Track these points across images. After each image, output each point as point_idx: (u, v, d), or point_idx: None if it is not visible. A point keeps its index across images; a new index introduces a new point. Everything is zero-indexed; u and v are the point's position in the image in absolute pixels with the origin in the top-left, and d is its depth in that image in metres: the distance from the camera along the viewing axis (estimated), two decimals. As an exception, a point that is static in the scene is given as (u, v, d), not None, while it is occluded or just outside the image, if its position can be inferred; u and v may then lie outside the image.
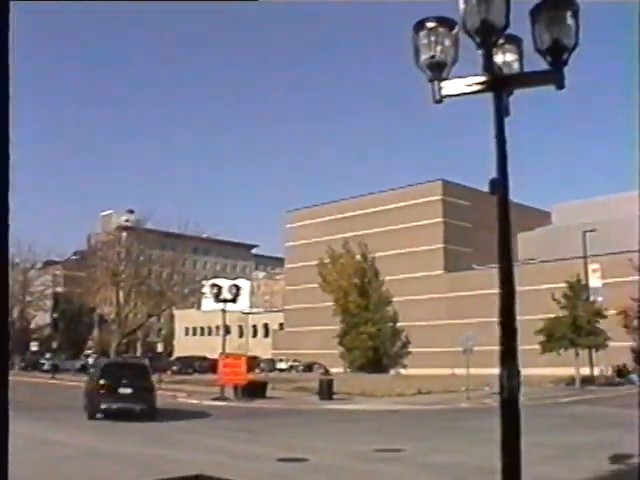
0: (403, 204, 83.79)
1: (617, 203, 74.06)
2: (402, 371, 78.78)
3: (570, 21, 5.92)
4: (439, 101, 6.08)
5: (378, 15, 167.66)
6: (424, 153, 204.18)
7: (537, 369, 50.43)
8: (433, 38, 6.04)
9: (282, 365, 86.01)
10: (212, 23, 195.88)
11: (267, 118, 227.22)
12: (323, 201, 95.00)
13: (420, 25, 6.08)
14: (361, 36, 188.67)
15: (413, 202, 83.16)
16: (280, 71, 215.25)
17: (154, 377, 31.11)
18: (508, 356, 5.74)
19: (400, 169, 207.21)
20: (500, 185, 5.94)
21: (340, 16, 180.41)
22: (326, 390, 36.62)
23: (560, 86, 5.90)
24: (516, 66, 6.45)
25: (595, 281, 55.54)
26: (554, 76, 5.94)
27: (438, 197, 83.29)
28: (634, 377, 51.08)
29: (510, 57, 6.41)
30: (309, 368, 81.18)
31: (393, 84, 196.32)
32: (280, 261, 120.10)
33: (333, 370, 70.11)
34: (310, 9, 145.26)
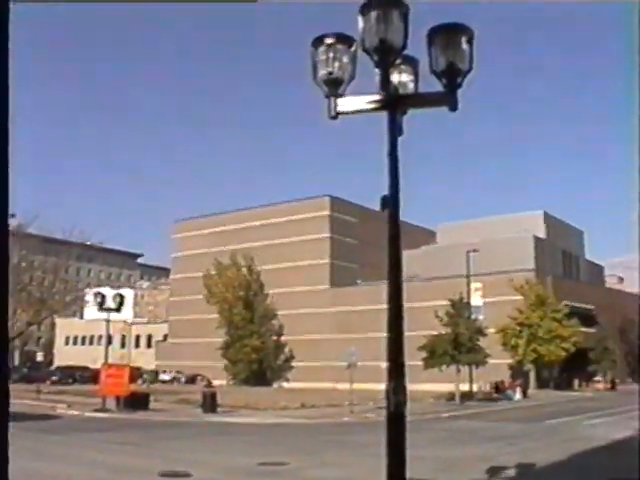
0: (291, 218, 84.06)
1: (498, 224, 76.41)
2: (285, 385, 78.89)
3: (465, 46, 6.08)
4: (334, 117, 6.13)
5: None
6: (314, 169, 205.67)
7: (419, 385, 51.36)
8: (331, 54, 6.09)
9: (165, 377, 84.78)
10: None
11: (156, 125, 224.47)
12: (212, 212, 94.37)
13: (319, 41, 6.12)
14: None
15: (301, 217, 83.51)
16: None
17: (32, 387, 30.14)
18: (395, 371, 5.81)
19: (290, 183, 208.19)
20: (391, 202, 6.03)
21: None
22: (209, 402, 36.24)
23: (453, 108, 6.04)
24: (411, 86, 6.57)
25: (477, 300, 57.11)
26: (448, 98, 6.08)
27: (326, 213, 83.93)
28: (510, 393, 52.70)
29: (406, 77, 6.53)
30: (192, 380, 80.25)
31: (288, 96, 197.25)
32: (166, 271, 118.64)
33: (217, 383, 69.50)
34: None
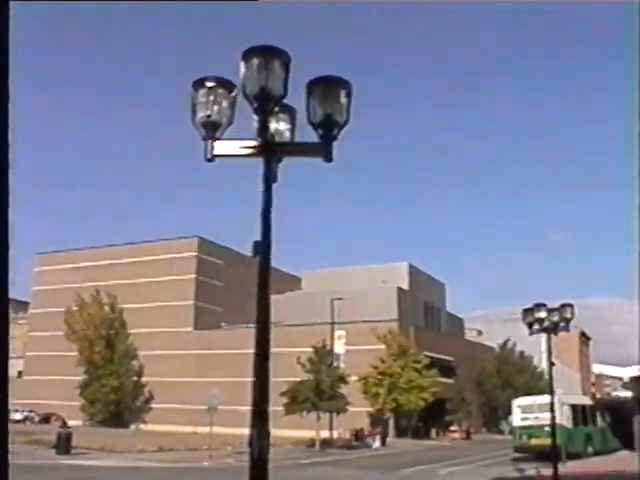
0: (158, 257, 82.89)
1: (364, 274, 77.58)
2: (143, 427, 77.00)
3: (343, 99, 6.24)
4: (210, 160, 6.16)
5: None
6: (185, 210, 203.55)
7: (280, 430, 51.16)
8: (211, 97, 6.13)
9: (17, 416, 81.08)
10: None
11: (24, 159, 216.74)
12: (78, 247, 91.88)
13: (199, 83, 6.15)
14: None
15: (168, 256, 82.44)
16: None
17: None
18: (259, 416, 5.80)
19: (159, 222, 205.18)
20: (262, 248, 6.07)
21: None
22: (64, 444, 35.01)
23: (328, 159, 6.17)
24: (288, 135, 6.67)
25: (339, 347, 57.73)
26: (323, 149, 6.20)
27: (193, 253, 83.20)
28: (370, 441, 53.23)
29: (283, 126, 6.62)
30: (46, 420, 77.15)
31: (169, 134, 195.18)
32: (25, 305, 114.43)
33: (72, 423, 67.02)
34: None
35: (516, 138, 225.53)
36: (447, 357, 74.32)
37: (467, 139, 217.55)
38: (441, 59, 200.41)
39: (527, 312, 22.81)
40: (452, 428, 72.61)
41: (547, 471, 23.51)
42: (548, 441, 24.71)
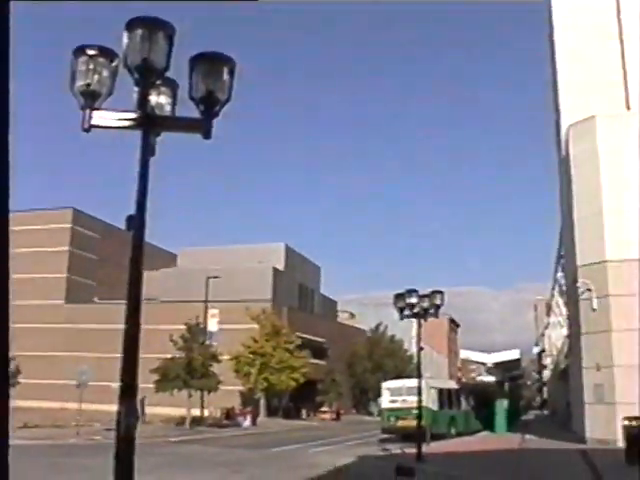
0: (30, 227, 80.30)
1: (240, 253, 77.34)
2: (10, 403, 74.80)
3: (226, 77, 6.18)
4: (87, 130, 6.01)
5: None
6: (62, 178, 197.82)
7: (150, 408, 50.65)
8: (92, 66, 5.96)
9: None
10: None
11: None
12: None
13: (80, 50, 5.98)
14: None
15: (41, 227, 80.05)
16: None
17: None
18: (128, 393, 5.73)
19: (31, 191, 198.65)
20: (137, 222, 5.97)
21: None
22: None
23: (207, 136, 6.11)
24: (168, 109, 6.57)
25: (212, 325, 57.45)
26: (203, 125, 6.13)
27: (67, 225, 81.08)
28: (241, 420, 53.38)
29: (164, 99, 6.52)
30: None
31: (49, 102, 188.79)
32: None
33: None
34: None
35: (392, 127, 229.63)
36: (319, 339, 75.11)
37: (346, 123, 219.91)
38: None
39: (398, 297, 23.33)
40: (323, 409, 73.57)
41: (412, 451, 24.14)
42: (414, 422, 25.41)
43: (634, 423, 22.59)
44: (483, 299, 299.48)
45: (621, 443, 23.54)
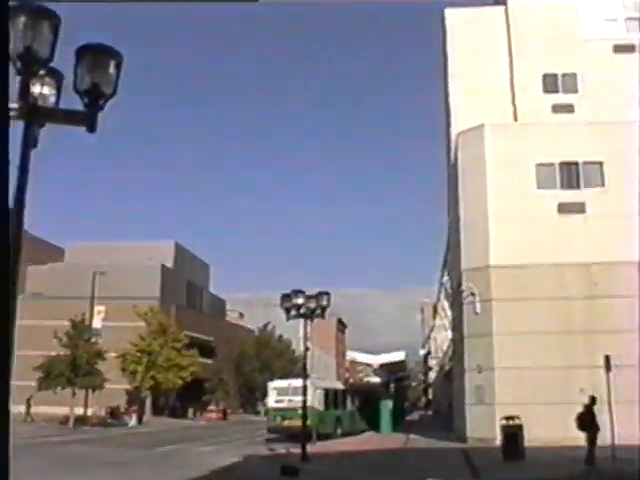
0: None
1: (129, 250, 75.67)
2: None
3: (112, 70, 6.10)
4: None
5: None
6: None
7: (35, 407, 49.37)
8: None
9: None
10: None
11: None
12: None
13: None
14: None
15: None
16: None
17: None
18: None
19: None
20: (15, 213, 5.80)
21: None
22: None
23: (91, 129, 6.01)
24: (52, 100, 6.43)
25: (98, 322, 56.43)
26: (87, 118, 6.04)
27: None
28: (126, 419, 52.61)
29: (48, 90, 6.38)
30: None
31: None
32: None
33: None
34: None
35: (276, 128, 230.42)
36: (208, 337, 74.64)
37: (233, 121, 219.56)
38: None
39: (285, 298, 23.43)
40: (209, 408, 73.13)
41: (297, 451, 24.28)
42: (300, 422, 25.54)
43: (511, 422, 23.41)
44: (372, 301, 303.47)
45: (499, 441, 24.31)
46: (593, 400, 21.93)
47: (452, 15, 37.87)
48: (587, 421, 21.15)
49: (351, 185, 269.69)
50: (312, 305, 23.32)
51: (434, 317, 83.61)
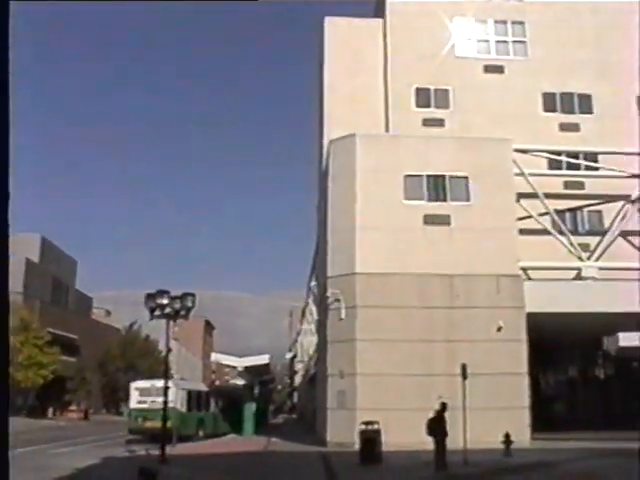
0: None
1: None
2: None
3: None
4: None
5: None
6: None
7: None
8: None
9: None
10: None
11: None
12: None
13: None
14: None
15: None
16: None
17: None
18: None
19: None
20: None
21: None
22: None
23: None
24: None
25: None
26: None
27: None
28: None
29: None
30: None
31: None
32: None
33: None
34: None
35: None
36: (72, 335, 72.85)
37: (107, 117, 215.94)
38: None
39: (150, 297, 23.18)
40: (71, 408, 71.31)
41: (157, 452, 24.00)
42: (161, 423, 25.25)
43: (369, 427, 23.87)
44: (243, 304, 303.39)
45: (358, 446, 24.74)
46: (443, 406, 22.61)
47: (331, 24, 38.40)
48: (436, 427, 21.78)
49: (225, 189, 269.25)
50: (176, 306, 23.16)
51: (302, 321, 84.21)
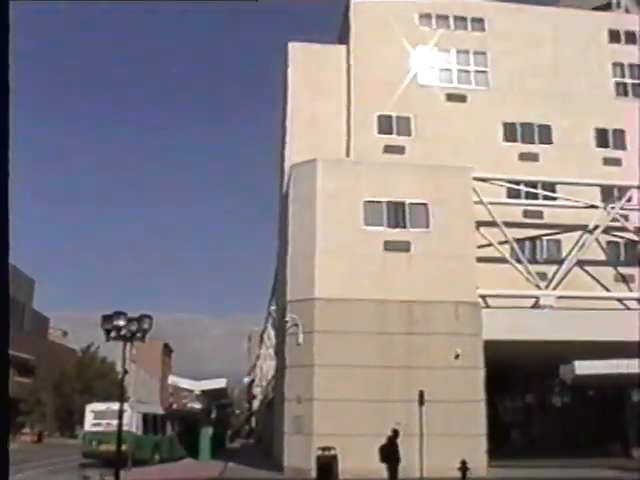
0: None
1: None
2: None
3: None
4: None
5: None
6: None
7: None
8: None
9: None
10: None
11: None
12: None
13: None
14: None
15: None
16: None
17: None
18: None
19: None
20: None
21: None
22: None
23: None
24: None
25: None
26: None
27: None
28: None
29: None
30: None
31: None
32: None
33: None
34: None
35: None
36: (27, 356, 71.70)
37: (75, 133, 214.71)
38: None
39: (106, 319, 22.94)
40: (24, 430, 70.08)
41: (111, 477, 23.67)
42: (116, 447, 24.89)
43: (326, 453, 23.79)
44: (202, 327, 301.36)
45: (314, 472, 24.60)
46: (395, 433, 22.61)
47: (295, 49, 38.57)
48: (388, 453, 21.76)
49: (189, 213, 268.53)
50: (133, 328, 22.94)
51: (261, 345, 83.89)
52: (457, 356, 29.82)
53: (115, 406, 34.41)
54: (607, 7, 55.27)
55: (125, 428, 25.81)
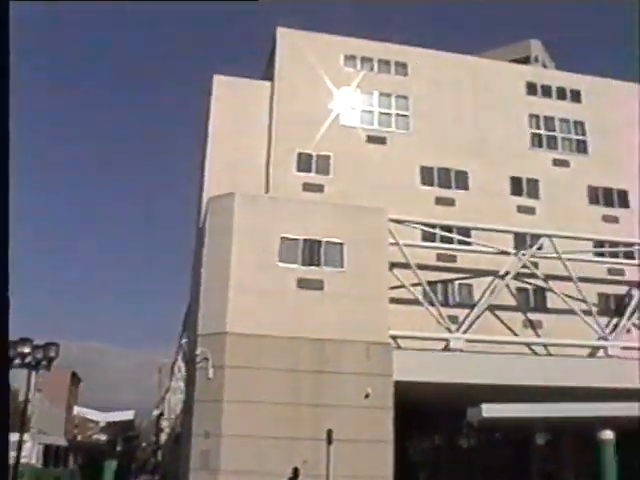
0: None
1: None
2: None
3: None
4: None
5: None
6: None
7: None
8: None
9: None
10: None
11: None
12: None
13: None
14: None
15: None
16: None
17: None
18: None
19: None
20: None
21: None
22: None
23: None
24: None
25: None
26: None
27: None
28: None
29: None
30: None
31: None
32: None
33: None
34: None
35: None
36: None
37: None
38: None
39: (11, 345, 22.30)
40: None
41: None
42: (12, 481, 24.13)
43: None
44: (112, 357, 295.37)
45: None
46: (295, 472, 22.51)
47: (219, 81, 38.59)
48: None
49: (98, 240, 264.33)
50: (39, 355, 22.37)
51: (171, 378, 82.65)
52: (367, 395, 29.83)
53: (14, 437, 33.44)
54: (526, 60, 57.31)
55: (24, 460, 25.05)
